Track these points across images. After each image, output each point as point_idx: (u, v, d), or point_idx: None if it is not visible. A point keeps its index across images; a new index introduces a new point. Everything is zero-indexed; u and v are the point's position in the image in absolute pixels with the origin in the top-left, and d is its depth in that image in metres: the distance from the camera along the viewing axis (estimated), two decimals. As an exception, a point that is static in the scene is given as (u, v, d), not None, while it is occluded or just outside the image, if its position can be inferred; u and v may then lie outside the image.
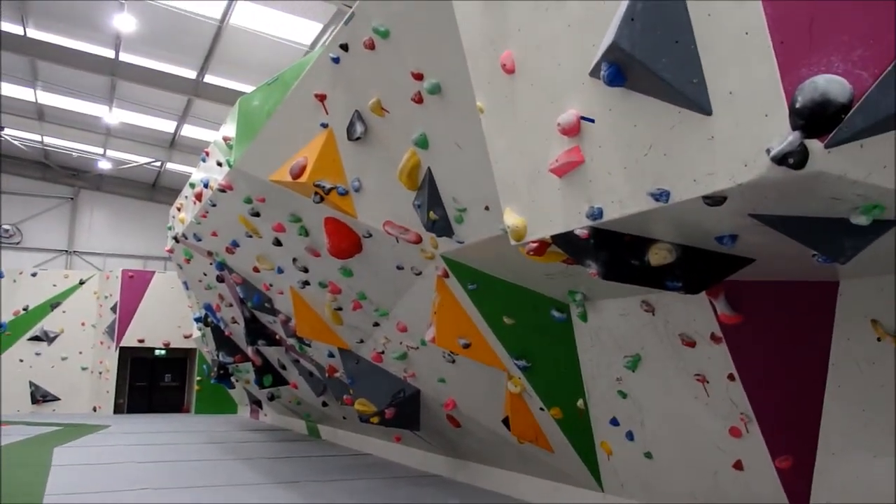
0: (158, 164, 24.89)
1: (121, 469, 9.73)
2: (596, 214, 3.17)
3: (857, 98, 2.28)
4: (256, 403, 17.96)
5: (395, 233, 5.96)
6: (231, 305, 12.22)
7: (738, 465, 4.75)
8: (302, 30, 15.12)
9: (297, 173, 6.32)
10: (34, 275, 21.26)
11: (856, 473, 4.16)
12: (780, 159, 2.34)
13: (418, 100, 4.92)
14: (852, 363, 4.01)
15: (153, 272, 21.92)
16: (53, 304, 21.03)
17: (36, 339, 20.63)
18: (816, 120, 2.28)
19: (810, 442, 4.28)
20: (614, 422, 5.64)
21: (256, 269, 9.59)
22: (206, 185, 9.78)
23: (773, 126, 2.38)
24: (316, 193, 6.35)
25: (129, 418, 19.50)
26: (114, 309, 20.88)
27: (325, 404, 12.29)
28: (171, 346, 21.26)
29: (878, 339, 3.83)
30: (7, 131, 21.54)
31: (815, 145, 2.34)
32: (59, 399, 20.60)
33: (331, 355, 9.80)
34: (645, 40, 2.68)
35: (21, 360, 20.32)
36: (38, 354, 20.56)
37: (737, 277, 3.68)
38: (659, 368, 5.02)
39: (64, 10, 14.84)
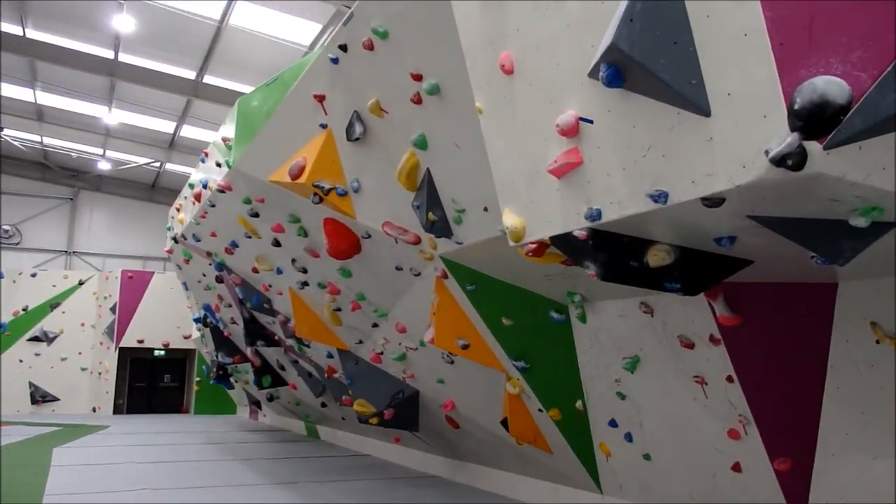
0: (158, 164, 24.88)
1: (120, 469, 9.72)
2: (594, 215, 3.17)
3: (855, 99, 2.28)
4: (255, 404, 17.95)
5: (393, 233, 5.96)
6: (230, 306, 12.22)
7: (736, 467, 4.75)
8: (301, 30, 15.11)
9: (297, 174, 6.32)
10: (34, 275, 21.25)
11: (854, 475, 4.16)
12: (779, 161, 2.34)
13: (417, 100, 4.91)
14: (851, 365, 4.00)
15: (152, 273, 21.92)
16: (53, 305, 21.03)
17: (35, 339, 20.63)
18: (815, 121, 2.27)
19: (809, 444, 4.27)
20: (613, 423, 5.64)
21: (255, 270, 9.58)
22: (205, 186, 9.77)
23: (771, 127, 2.38)
24: (315, 194, 6.35)
25: (129, 419, 19.49)
26: (113, 309, 20.87)
27: (324, 405, 12.28)
28: (171, 346, 21.25)
29: (877, 342, 3.83)
30: (6, 132, 21.53)
31: (813, 147, 2.33)
32: (58, 399, 20.59)
33: (330, 356, 9.79)
34: (644, 41, 2.68)
35: (21, 361, 20.31)
36: (37, 355, 20.55)
37: (735, 279, 3.68)
38: (658, 370, 5.01)
39: (63, 10, 14.83)
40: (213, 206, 9.51)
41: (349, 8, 5.70)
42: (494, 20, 3.76)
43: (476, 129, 4.13)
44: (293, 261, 8.35)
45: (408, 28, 4.80)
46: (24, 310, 20.63)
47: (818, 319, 4.05)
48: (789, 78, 2.34)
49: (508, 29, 3.64)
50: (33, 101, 19.83)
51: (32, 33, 15.76)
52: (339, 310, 8.36)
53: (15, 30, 15.52)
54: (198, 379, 21.29)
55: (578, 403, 5.86)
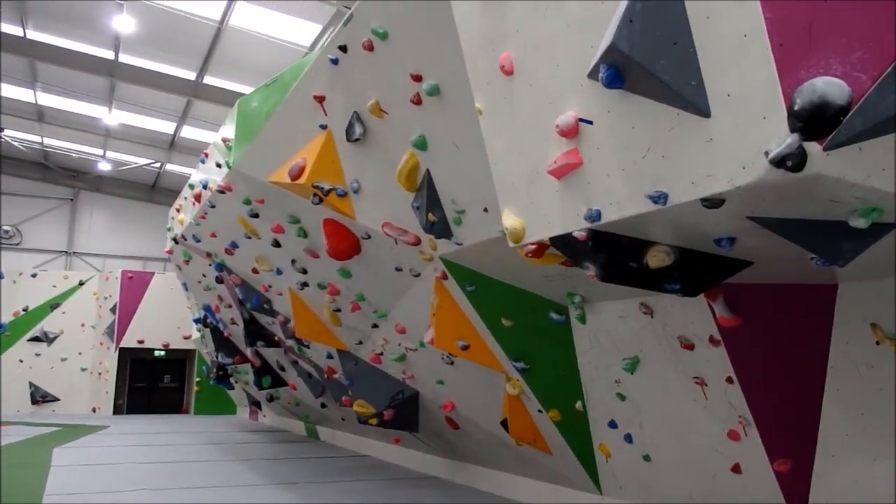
0: (158, 165, 24.87)
1: (120, 469, 9.72)
2: (594, 216, 3.17)
3: (855, 100, 2.27)
4: (255, 404, 17.95)
5: (393, 234, 5.95)
6: (230, 306, 12.22)
7: (736, 469, 4.74)
8: (301, 31, 15.10)
9: (296, 174, 6.32)
10: (34, 276, 21.26)
11: (854, 477, 4.15)
12: (779, 162, 2.34)
13: (417, 101, 4.91)
14: (851, 366, 4.00)
15: (153, 273, 21.93)
16: (53, 305, 21.03)
17: (36, 339, 20.64)
18: (815, 122, 2.27)
19: (809, 445, 4.27)
20: (613, 424, 5.63)
21: (255, 271, 9.58)
22: (205, 187, 9.77)
23: (771, 128, 2.38)
24: (315, 195, 6.34)
25: (129, 419, 19.49)
26: (113, 310, 20.88)
27: (323, 405, 12.28)
28: (171, 346, 21.25)
29: (877, 343, 3.82)
30: (7, 132, 21.53)
31: (813, 148, 2.33)
32: (58, 399, 20.59)
33: (329, 357, 9.79)
34: (643, 42, 2.67)
35: (21, 361, 20.32)
36: (37, 355, 20.55)
37: (735, 280, 3.67)
38: (657, 371, 5.01)
39: (63, 11, 14.82)
40: (213, 206, 9.51)
41: (349, 9, 5.70)
42: (494, 21, 3.75)
43: (476, 129, 4.13)
44: (293, 261, 8.34)
45: (407, 29, 4.80)
46: (24, 310, 20.64)
47: (818, 321, 4.04)
48: (789, 79, 2.33)
49: (508, 29, 3.64)
50: (34, 101, 19.83)
51: (33, 34, 15.76)
52: (338, 310, 8.35)
53: (15, 30, 15.52)
54: (198, 379, 21.29)
55: (578, 404, 5.86)
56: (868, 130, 2.31)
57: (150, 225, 26.38)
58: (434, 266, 6.03)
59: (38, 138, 23.05)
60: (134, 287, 21.00)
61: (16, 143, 23.16)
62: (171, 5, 14.48)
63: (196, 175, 10.88)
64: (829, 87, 2.25)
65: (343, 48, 5.49)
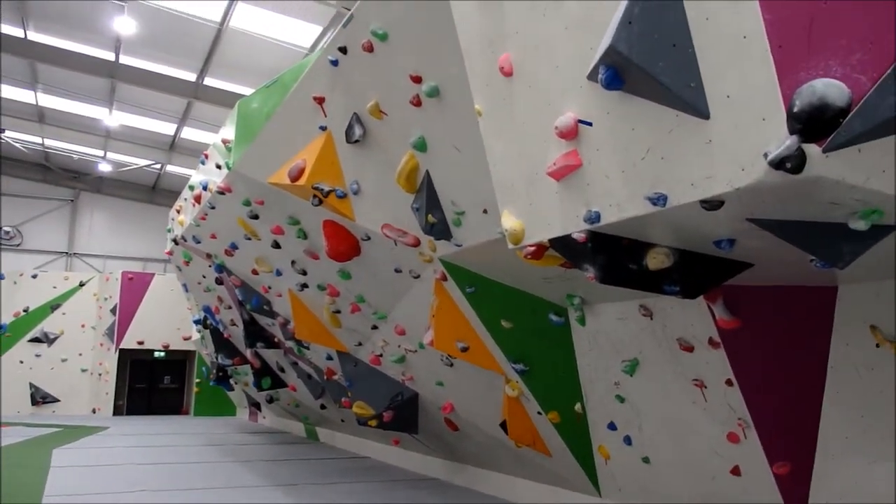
0: (158, 166, 24.86)
1: (120, 471, 9.71)
2: (593, 218, 3.16)
3: (855, 102, 2.27)
4: (255, 406, 17.94)
5: (393, 236, 5.95)
6: (230, 308, 12.21)
7: (735, 471, 4.73)
8: (301, 32, 15.10)
9: (296, 176, 6.32)
10: (34, 276, 21.27)
11: (854, 479, 4.14)
12: (778, 163, 2.33)
13: (417, 102, 4.91)
14: (851, 369, 3.99)
15: (153, 274, 21.94)
16: (53, 306, 21.04)
17: (36, 340, 20.65)
18: (814, 124, 2.26)
19: (808, 447, 4.26)
20: (612, 426, 5.63)
21: (255, 272, 9.58)
22: (205, 188, 9.77)
23: (770, 130, 2.37)
24: (314, 196, 6.34)
25: (129, 420, 19.49)
26: (113, 311, 20.89)
27: (323, 407, 12.27)
28: (171, 348, 21.26)
29: (877, 345, 3.81)
30: (7, 133, 21.53)
31: (812, 150, 2.32)
32: (58, 400, 20.60)
33: (329, 358, 9.78)
34: (643, 44, 2.67)
35: (21, 362, 20.33)
36: (38, 356, 20.56)
37: (735, 282, 3.67)
38: (657, 373, 5.00)
39: (64, 12, 14.82)
40: (213, 207, 9.51)
41: (349, 10, 5.70)
42: (493, 22, 3.75)
43: (475, 131, 4.12)
44: (293, 263, 8.34)
45: (407, 30, 4.80)
46: (24, 311, 20.66)
47: (818, 323, 4.04)
48: (788, 80, 2.33)
49: (507, 31, 3.64)
50: (34, 102, 19.83)
51: (33, 35, 15.77)
52: (338, 312, 8.35)
53: (16, 32, 15.52)
54: (197, 380, 21.28)
55: (577, 406, 5.85)
56: (868, 132, 2.31)
57: (151, 226, 26.38)
58: (433, 267, 6.02)
59: (38, 139, 23.06)
60: (134, 288, 21.02)
61: (16, 145, 23.17)
62: (171, 6, 14.49)
63: (196, 176, 10.89)
64: (829, 88, 2.25)
65: (343, 49, 5.49)
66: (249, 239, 8.98)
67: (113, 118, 20.44)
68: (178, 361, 22.41)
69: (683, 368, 4.75)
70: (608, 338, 5.28)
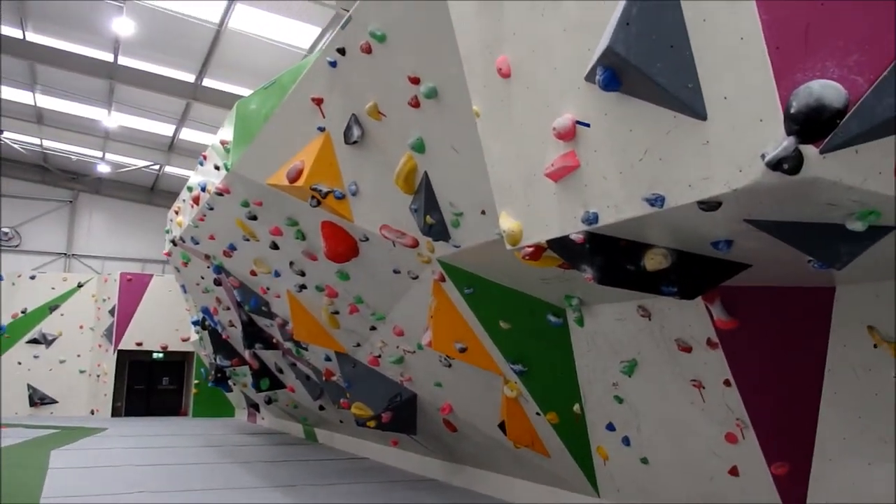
0: (157, 167, 24.88)
1: (118, 472, 9.70)
2: (591, 219, 3.16)
3: (852, 103, 2.27)
4: (254, 407, 17.93)
5: (391, 237, 5.95)
6: (228, 309, 12.21)
7: (733, 471, 4.74)
8: (300, 33, 15.12)
9: (294, 177, 6.32)
10: (33, 277, 21.24)
11: (852, 480, 4.14)
12: (775, 165, 2.33)
13: (415, 104, 4.91)
14: (849, 369, 3.99)
15: (151, 275, 21.92)
16: (52, 307, 21.01)
17: (34, 341, 20.61)
18: (811, 125, 2.27)
19: (806, 448, 4.26)
20: (610, 427, 5.63)
21: (254, 273, 9.58)
22: (203, 189, 9.77)
23: (768, 131, 2.37)
24: (313, 197, 6.34)
25: (127, 421, 19.46)
26: (112, 312, 20.86)
27: (321, 408, 12.27)
28: (169, 349, 21.24)
29: (875, 346, 3.82)
30: (6, 135, 21.54)
31: (810, 151, 2.32)
32: (56, 402, 20.56)
33: (328, 359, 9.78)
34: (640, 45, 2.67)
35: (19, 363, 20.30)
36: (36, 357, 20.53)
37: (732, 283, 3.67)
38: (655, 374, 5.00)
39: (63, 13, 14.83)
40: (211, 208, 9.51)
41: (347, 11, 5.71)
42: (491, 23, 3.75)
43: (473, 132, 4.13)
44: (291, 264, 8.34)
45: (405, 31, 4.80)
46: (23, 312, 20.63)
47: (816, 323, 4.04)
48: (785, 81, 2.33)
49: (505, 32, 3.64)
50: (33, 103, 19.83)
51: (32, 36, 15.77)
52: (336, 313, 8.35)
53: (15, 33, 15.52)
54: (196, 381, 21.27)
55: (576, 407, 5.85)
56: (865, 133, 2.31)
57: (149, 227, 26.39)
58: (432, 268, 6.03)
59: (37, 140, 23.06)
60: (132, 289, 20.99)
61: (15, 146, 23.16)
62: (170, 7, 14.49)
63: (195, 177, 10.89)
64: (826, 89, 2.25)
65: (341, 51, 5.49)
66: (248, 240, 8.98)
67: (111, 119, 20.44)
68: (177, 362, 22.39)
69: (682, 369, 4.75)
70: (606, 338, 5.29)
